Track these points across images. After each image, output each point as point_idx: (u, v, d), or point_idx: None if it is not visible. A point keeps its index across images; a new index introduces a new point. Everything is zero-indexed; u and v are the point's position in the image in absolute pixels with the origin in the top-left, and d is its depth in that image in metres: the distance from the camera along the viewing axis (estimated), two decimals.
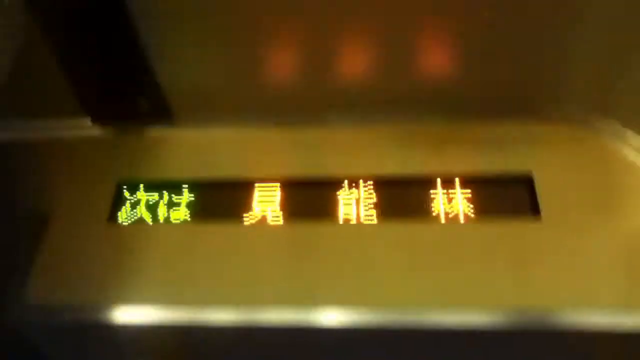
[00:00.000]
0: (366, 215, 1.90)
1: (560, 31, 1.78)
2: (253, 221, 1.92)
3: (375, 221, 1.89)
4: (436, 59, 1.94)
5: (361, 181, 1.96)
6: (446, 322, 1.64)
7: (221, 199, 1.98)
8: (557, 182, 1.89)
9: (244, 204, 1.95)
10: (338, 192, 1.95)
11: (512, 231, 1.80)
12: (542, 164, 1.93)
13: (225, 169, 2.03)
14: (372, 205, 1.92)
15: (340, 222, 1.89)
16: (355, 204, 1.92)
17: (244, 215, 1.93)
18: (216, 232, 1.89)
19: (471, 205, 1.89)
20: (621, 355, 1.70)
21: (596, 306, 1.63)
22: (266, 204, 1.95)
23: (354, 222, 1.89)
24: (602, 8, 1.68)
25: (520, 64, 1.90)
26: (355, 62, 1.97)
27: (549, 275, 1.70)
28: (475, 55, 1.89)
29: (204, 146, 2.09)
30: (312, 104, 2.08)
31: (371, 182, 1.96)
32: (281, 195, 1.96)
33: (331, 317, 1.69)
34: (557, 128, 2.02)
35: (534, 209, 1.85)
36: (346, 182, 1.97)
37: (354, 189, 1.95)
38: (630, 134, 1.97)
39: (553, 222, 1.81)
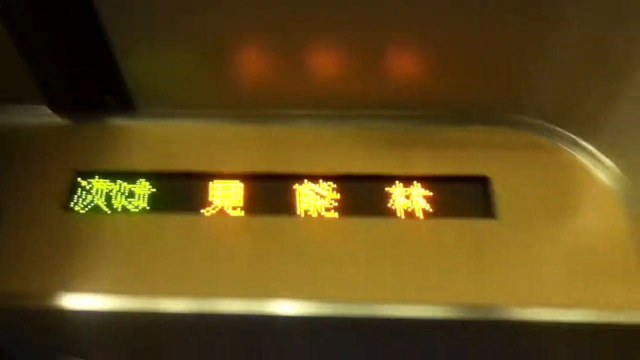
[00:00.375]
0: (326, 211, 1.90)
1: (527, 47, 1.83)
2: (212, 214, 1.91)
3: (335, 217, 1.89)
4: (403, 64, 1.97)
5: (322, 178, 1.97)
6: (401, 316, 1.65)
7: (181, 191, 1.96)
8: (514, 185, 1.93)
9: (204, 197, 1.94)
10: (299, 187, 1.95)
11: (468, 230, 1.83)
12: (500, 168, 1.98)
13: (186, 161, 2.02)
14: (332, 202, 1.93)
15: (301, 217, 1.90)
16: (316, 200, 1.93)
17: (203, 207, 1.92)
18: (174, 223, 1.87)
19: (429, 205, 1.91)
20: (568, 348, 1.75)
21: (545, 304, 1.67)
22: (226, 197, 1.94)
23: (314, 217, 1.89)
24: (566, 33, 1.75)
25: (486, 73, 1.95)
26: (324, 61, 1.98)
27: (502, 273, 1.73)
28: (442, 62, 1.93)
29: (165, 138, 2.07)
30: (278, 100, 2.08)
31: (333, 179, 1.97)
32: (242, 189, 1.95)
33: (288, 309, 1.69)
34: (516, 134, 2.07)
35: (490, 210, 1.89)
36: (307, 178, 1.97)
37: (315, 184, 1.96)
38: (584, 143, 2.03)
39: (508, 223, 1.85)
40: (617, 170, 1.96)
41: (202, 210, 1.91)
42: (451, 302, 1.67)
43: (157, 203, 1.95)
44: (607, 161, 1.99)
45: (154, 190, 1.97)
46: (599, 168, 1.99)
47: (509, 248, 1.79)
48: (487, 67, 1.92)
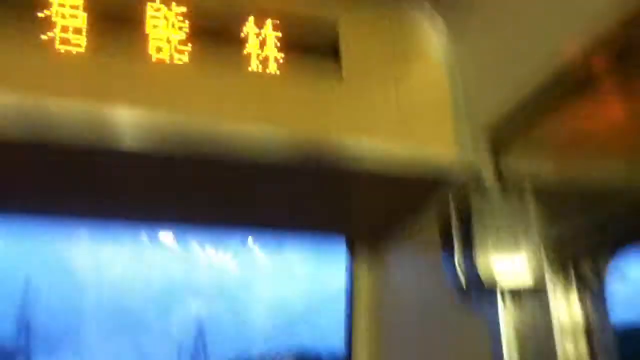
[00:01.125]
0: (178, 52, 1.85)
1: None
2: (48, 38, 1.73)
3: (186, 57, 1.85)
4: None
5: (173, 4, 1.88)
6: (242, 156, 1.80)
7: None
8: (360, 35, 2.05)
9: (40, 19, 1.73)
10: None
11: (315, 81, 1.94)
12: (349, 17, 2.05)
13: None
14: (183, 37, 1.86)
15: (151, 58, 1.81)
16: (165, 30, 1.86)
17: (42, 33, 1.73)
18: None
19: (281, 52, 1.94)
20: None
21: (372, 149, 1.92)
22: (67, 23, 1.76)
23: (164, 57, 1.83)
24: None
25: None
26: None
27: (341, 125, 1.92)
28: None
29: None
30: None
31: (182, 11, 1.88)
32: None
33: (126, 116, 1.71)
34: None
35: (337, 60, 1.99)
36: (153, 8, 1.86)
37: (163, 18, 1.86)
38: (431, 10, 2.17)
39: (352, 72, 1.99)
40: (446, 30, 2.15)
41: (41, 36, 1.73)
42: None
43: None
44: (440, 22, 2.16)
45: None
46: (432, 26, 2.16)
47: (353, 99, 1.97)
48: None
